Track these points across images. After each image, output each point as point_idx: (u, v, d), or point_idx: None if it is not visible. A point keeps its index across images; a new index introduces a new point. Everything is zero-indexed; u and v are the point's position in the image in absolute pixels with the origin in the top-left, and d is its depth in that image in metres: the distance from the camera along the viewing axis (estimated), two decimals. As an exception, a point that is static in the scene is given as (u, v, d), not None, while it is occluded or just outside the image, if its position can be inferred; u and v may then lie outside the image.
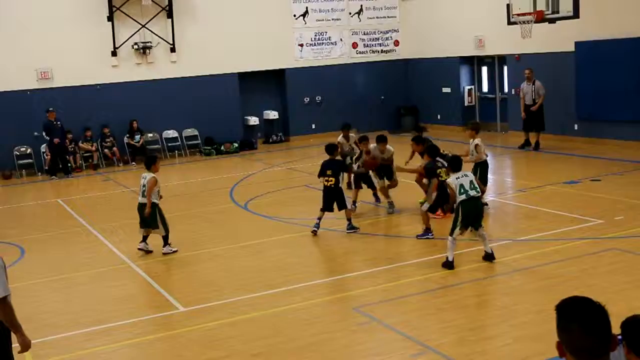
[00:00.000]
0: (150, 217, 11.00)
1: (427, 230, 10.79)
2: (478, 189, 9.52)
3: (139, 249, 11.24)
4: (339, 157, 12.34)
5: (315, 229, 11.57)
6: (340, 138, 14.52)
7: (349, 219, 11.71)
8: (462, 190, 9.33)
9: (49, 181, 19.60)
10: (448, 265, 9.38)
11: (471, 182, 9.44)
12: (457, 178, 9.46)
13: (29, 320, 8.56)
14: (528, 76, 18.86)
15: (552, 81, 19.67)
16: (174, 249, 11.15)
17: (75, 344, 7.87)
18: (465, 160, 10.81)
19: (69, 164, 20.32)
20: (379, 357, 6.99)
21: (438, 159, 11.32)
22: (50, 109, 19.63)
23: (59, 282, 10.22)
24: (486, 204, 12.16)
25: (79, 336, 8.04)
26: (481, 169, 12.16)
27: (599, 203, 12.45)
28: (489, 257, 9.53)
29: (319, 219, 11.60)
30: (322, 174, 11.73)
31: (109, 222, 13.68)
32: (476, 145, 12.21)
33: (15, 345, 5.78)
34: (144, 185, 11.01)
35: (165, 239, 11.13)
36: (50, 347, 7.74)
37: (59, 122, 19.75)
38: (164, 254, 11.07)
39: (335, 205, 11.52)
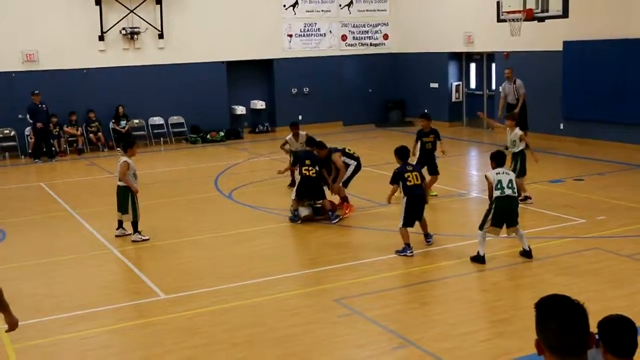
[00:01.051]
0: (121, 201, 11.02)
1: (407, 247, 9.87)
2: (515, 190, 9.44)
3: (116, 235, 11.23)
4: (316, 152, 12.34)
5: (296, 219, 11.69)
6: (289, 137, 14.11)
7: (331, 210, 11.75)
8: (499, 186, 9.28)
9: (32, 164, 19.46)
10: (479, 259, 9.32)
11: (510, 181, 9.37)
12: (497, 173, 9.42)
13: (10, 303, 8.51)
14: (508, 76, 18.73)
15: (539, 80, 19.76)
16: (144, 237, 11.09)
17: (56, 328, 7.84)
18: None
19: (53, 148, 20.17)
20: (359, 349, 7.02)
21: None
22: (36, 91, 19.46)
23: (40, 266, 10.17)
24: (529, 198, 12.41)
25: (60, 320, 8.01)
26: (521, 159, 12.31)
27: (582, 203, 12.54)
28: (526, 254, 9.43)
29: (296, 209, 11.69)
30: (300, 163, 11.83)
31: (92, 207, 13.62)
32: (521, 135, 12.34)
33: (3, 326, 5.74)
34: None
35: (135, 225, 11.09)
36: (31, 331, 7.69)
37: (43, 105, 19.60)
38: (133, 241, 11.04)
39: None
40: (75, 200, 14.24)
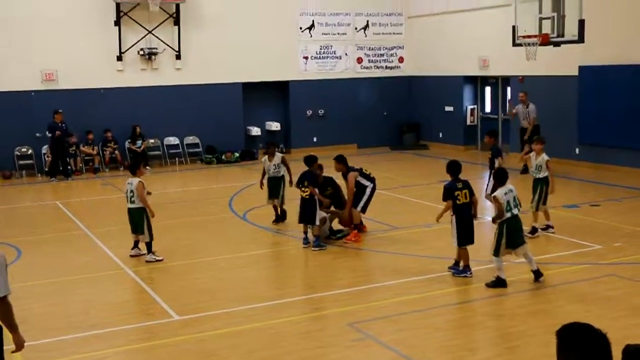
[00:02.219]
0: (138, 222, 11.05)
1: (466, 268, 9.84)
2: (520, 206, 9.39)
3: (131, 255, 11.25)
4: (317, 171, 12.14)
5: (305, 244, 11.57)
6: (264, 158, 13.63)
7: (316, 236, 11.56)
8: (507, 208, 9.20)
9: (48, 183, 19.60)
10: (500, 283, 9.24)
11: (515, 198, 9.33)
12: (505, 193, 9.28)
13: (23, 322, 8.51)
14: (522, 99, 18.84)
15: (554, 104, 19.73)
16: (158, 258, 11.09)
17: (68, 347, 7.85)
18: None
19: (69, 167, 20.32)
20: (373, 375, 6.97)
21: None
22: (59, 110, 19.67)
23: (54, 285, 10.20)
24: (551, 227, 12.10)
25: (73, 340, 8.01)
26: (546, 186, 11.97)
27: (598, 228, 12.44)
28: (536, 274, 9.36)
29: (305, 232, 11.64)
30: (300, 184, 11.76)
31: (106, 226, 13.67)
32: (547, 161, 11.94)
33: (11, 346, 5.75)
34: (131, 191, 11.08)
35: (149, 246, 11.12)
36: (44, 351, 7.71)
37: (64, 125, 19.77)
38: (147, 261, 11.04)
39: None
40: (90, 220, 14.31)
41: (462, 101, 23.52)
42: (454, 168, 9.97)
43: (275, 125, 23.87)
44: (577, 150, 19.46)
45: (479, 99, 23.66)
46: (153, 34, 21.78)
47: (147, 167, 20.75)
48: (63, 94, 20.80)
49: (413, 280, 9.79)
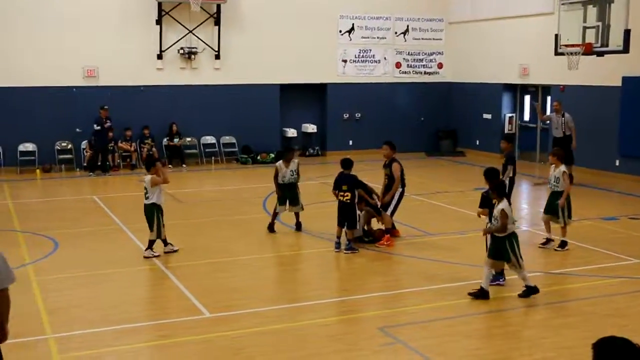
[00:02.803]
0: (149, 217, 11.17)
1: (498, 275, 9.69)
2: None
3: (165, 252, 11.35)
4: (354, 173, 12.00)
5: (337, 249, 11.52)
6: (279, 163, 13.14)
7: (349, 240, 11.53)
8: (512, 221, 9.13)
9: (86, 177, 19.89)
10: (533, 290, 9.10)
11: (510, 210, 9.28)
12: (509, 205, 9.18)
13: (57, 313, 8.70)
14: (557, 108, 18.26)
15: (595, 115, 19.46)
16: (155, 254, 11.16)
17: (101, 340, 7.94)
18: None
19: (108, 162, 20.60)
20: (401, 380, 6.93)
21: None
22: (105, 106, 19.98)
23: (89, 277, 10.33)
24: (551, 240, 11.80)
25: (106, 333, 8.10)
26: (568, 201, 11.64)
27: (637, 242, 12.23)
28: (532, 290, 9.16)
29: (338, 237, 11.59)
30: (336, 188, 11.65)
31: (142, 222, 13.77)
32: (563, 173, 11.60)
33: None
34: (145, 188, 11.22)
35: (151, 243, 11.19)
36: (78, 342, 7.82)
37: (108, 121, 20.05)
38: (145, 257, 11.12)
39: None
40: (126, 215, 14.46)
41: (501, 109, 23.30)
42: (492, 175, 9.89)
43: (311, 128, 23.92)
44: (617, 162, 19.16)
45: (517, 107, 23.43)
46: (193, 34, 21.98)
47: (169, 166, 21.01)
48: (103, 90, 21.10)
49: (445, 287, 9.72)
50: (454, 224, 13.62)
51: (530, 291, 9.12)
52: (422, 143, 24.81)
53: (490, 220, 9.43)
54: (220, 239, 12.57)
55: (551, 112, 19.02)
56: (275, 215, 13.01)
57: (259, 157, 22.41)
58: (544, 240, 11.88)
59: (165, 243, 11.45)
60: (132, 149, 21.35)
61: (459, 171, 21.00)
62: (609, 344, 2.92)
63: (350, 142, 24.04)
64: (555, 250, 11.54)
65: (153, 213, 11.16)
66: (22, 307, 8.73)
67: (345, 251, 11.45)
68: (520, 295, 9.16)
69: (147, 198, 11.24)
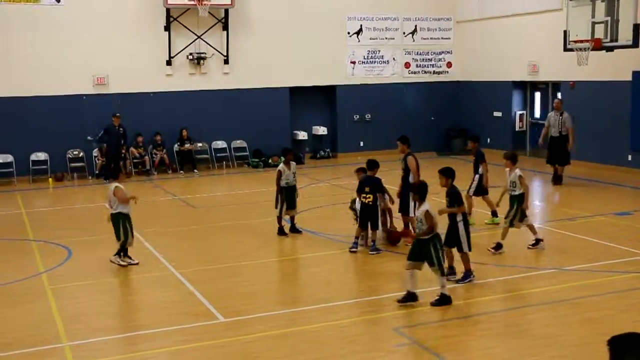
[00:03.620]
0: (115, 226, 11.04)
1: (468, 272, 9.82)
2: None
3: (120, 264, 11.10)
4: (377, 175, 12.01)
5: (354, 249, 11.54)
6: (281, 166, 13.06)
7: (373, 241, 11.59)
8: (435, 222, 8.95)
9: (100, 185, 19.95)
10: (446, 299, 8.85)
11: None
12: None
13: (73, 321, 8.73)
14: (557, 106, 17.63)
15: (606, 110, 19.38)
16: (122, 263, 11.02)
17: (117, 347, 7.98)
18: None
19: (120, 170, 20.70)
20: (417, 381, 6.92)
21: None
22: (117, 114, 20.11)
23: (104, 285, 10.37)
24: (541, 240, 11.58)
25: (122, 340, 8.13)
26: (519, 202, 11.29)
27: (650, 237, 12.16)
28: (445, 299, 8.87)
29: (357, 237, 11.59)
30: (360, 190, 11.68)
31: (154, 227, 13.86)
32: (520, 177, 11.29)
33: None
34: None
35: (120, 250, 11.07)
36: (94, 350, 7.85)
37: (121, 129, 20.16)
38: (111, 261, 11.05)
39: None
40: (139, 221, 14.47)
41: (511, 107, 23.23)
42: (447, 172, 10.15)
43: (322, 130, 23.93)
44: (629, 157, 19.05)
45: (528, 104, 23.35)
46: (202, 39, 22.04)
47: (181, 171, 21.01)
48: (113, 98, 21.19)
49: (458, 286, 9.69)
50: (467, 223, 13.55)
51: (443, 300, 8.81)
52: (433, 142, 24.75)
53: (465, 217, 9.76)
54: (233, 243, 12.59)
55: (551, 110, 18.66)
56: (280, 219, 12.96)
57: (270, 161, 22.43)
58: (533, 241, 11.55)
59: (125, 254, 11.22)
60: (143, 153, 21.41)
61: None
62: (624, 340, 2.90)
63: (362, 143, 24.03)
64: (489, 250, 11.21)
65: (119, 222, 11.02)
66: (37, 316, 8.79)
67: (370, 252, 11.48)
68: (432, 304, 8.83)
69: (112, 207, 11.09)
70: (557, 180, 17.67)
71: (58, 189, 19.68)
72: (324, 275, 10.61)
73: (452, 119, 25.14)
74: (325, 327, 8.36)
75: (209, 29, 22.03)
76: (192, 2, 21.08)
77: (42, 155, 20.72)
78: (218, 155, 22.57)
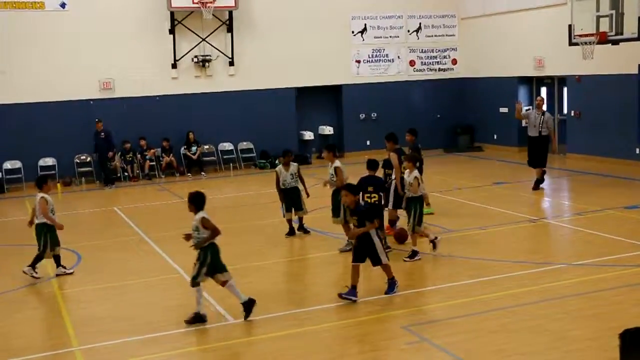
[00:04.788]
0: (37, 237, 10.81)
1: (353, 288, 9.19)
2: None
3: (56, 274, 10.94)
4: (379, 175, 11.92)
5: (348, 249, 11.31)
6: (278, 168, 13.06)
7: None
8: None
9: (107, 189, 20.01)
10: (200, 318, 8.56)
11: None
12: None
13: (84, 325, 8.75)
14: (539, 104, 16.51)
15: (613, 104, 19.31)
16: (35, 275, 10.72)
17: (128, 350, 7.98)
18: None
19: (126, 173, 20.78)
20: (428, 378, 6.90)
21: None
22: (96, 119, 20.04)
23: (113, 288, 10.39)
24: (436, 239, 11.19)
25: (132, 343, 8.14)
26: (419, 205, 11.04)
27: (660, 230, 12.10)
28: (247, 306, 8.66)
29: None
30: (362, 190, 11.23)
31: (163, 231, 13.88)
32: (415, 178, 10.90)
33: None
34: (34, 208, 10.83)
35: (35, 260, 10.77)
36: (104, 353, 7.87)
37: (103, 134, 20.10)
38: (23, 272, 10.75)
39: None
40: (147, 225, 14.54)
41: (517, 102, 23.15)
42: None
43: (328, 129, 23.94)
44: (637, 150, 18.97)
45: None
46: (207, 42, 22.07)
47: (189, 174, 21.03)
48: (119, 102, 21.27)
49: (468, 283, 9.68)
50: (474, 219, 13.56)
51: (197, 319, 8.53)
52: (440, 140, 24.73)
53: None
54: (241, 245, 12.59)
55: (533, 108, 17.77)
56: (290, 220, 12.93)
57: (277, 162, 22.41)
58: (434, 237, 11.20)
59: (58, 264, 11.03)
60: (130, 159, 21.36)
61: (478, 166, 20.90)
62: (636, 334, 2.88)
63: (368, 142, 24.01)
64: (404, 260, 10.88)
65: (41, 233, 10.81)
66: (48, 321, 8.82)
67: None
68: (186, 321, 8.62)
69: (37, 217, 10.85)
70: (537, 184, 16.35)
71: (66, 194, 19.73)
72: (332, 275, 10.60)
73: (459, 115, 25.09)
74: (334, 327, 8.35)
75: (213, 31, 22.06)
76: (196, 5, 21.12)
77: (50, 161, 20.80)
78: (225, 157, 22.59)
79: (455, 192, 16.50)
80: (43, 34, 20.55)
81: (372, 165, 11.59)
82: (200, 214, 8.56)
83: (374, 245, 9.12)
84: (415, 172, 11.08)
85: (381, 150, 22.17)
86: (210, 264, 8.56)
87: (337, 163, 11.86)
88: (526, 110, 16.92)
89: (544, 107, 16.72)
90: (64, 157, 20.74)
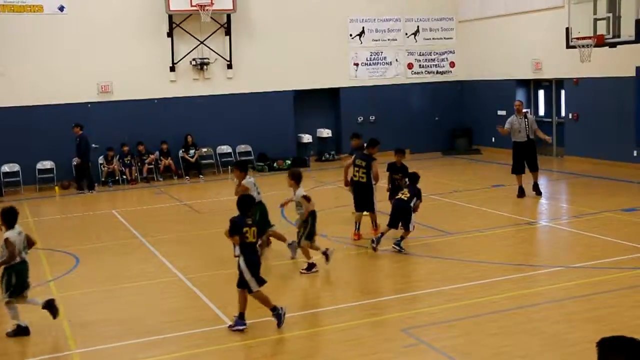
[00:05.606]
0: None
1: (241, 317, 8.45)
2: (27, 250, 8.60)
3: None
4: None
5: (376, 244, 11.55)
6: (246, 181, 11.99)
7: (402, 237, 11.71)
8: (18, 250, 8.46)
9: (105, 192, 20.00)
10: (22, 331, 8.37)
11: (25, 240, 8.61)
12: (18, 233, 8.47)
13: (82, 328, 8.74)
14: (518, 109, 15.85)
15: (610, 106, 19.34)
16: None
17: (127, 354, 7.97)
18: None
19: (124, 177, 20.79)
20: (426, 381, 6.90)
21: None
22: (74, 124, 19.85)
23: (112, 291, 10.39)
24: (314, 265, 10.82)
25: (131, 346, 8.14)
26: (312, 220, 10.80)
27: (658, 232, 12.12)
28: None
29: (382, 233, 11.66)
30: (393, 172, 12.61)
31: (161, 234, 13.88)
32: (302, 197, 10.64)
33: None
34: None
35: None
36: (103, 356, 7.87)
37: (78, 139, 19.89)
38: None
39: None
40: (145, 228, 14.54)
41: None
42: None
43: (326, 132, 23.96)
44: (634, 153, 19.00)
45: (532, 102, 23.30)
46: (205, 45, 22.09)
47: (187, 177, 21.03)
48: (118, 105, 21.27)
49: (466, 285, 9.68)
50: (473, 222, 13.57)
51: (20, 332, 8.41)
52: (438, 142, 24.76)
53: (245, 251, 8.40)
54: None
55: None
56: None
57: (275, 165, 22.45)
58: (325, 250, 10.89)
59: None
60: (150, 161, 21.47)
61: (476, 169, 20.93)
62: (612, 344, 2.86)
63: (366, 145, 23.97)
64: (301, 272, 10.72)
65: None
66: (46, 324, 8.80)
67: (396, 246, 11.45)
68: (8, 334, 8.43)
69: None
70: (535, 188, 15.88)
71: (64, 197, 19.72)
72: (331, 277, 10.60)
73: (457, 118, 25.12)
74: (332, 330, 8.35)
75: (211, 34, 22.07)
76: (195, 8, 21.13)
77: (48, 164, 20.78)
78: (223, 160, 22.59)
79: (454, 195, 16.52)
80: (41, 37, 20.56)
81: (373, 143, 12.78)
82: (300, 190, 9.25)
83: (239, 268, 8.39)
84: (301, 190, 10.76)
85: (378, 153, 22.23)
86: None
87: (301, 191, 10.84)
88: (508, 121, 16.05)
89: (524, 110, 16.19)
90: (62, 160, 20.71)
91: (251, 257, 8.35)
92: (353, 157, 13.02)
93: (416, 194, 11.66)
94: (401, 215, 11.52)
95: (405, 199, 11.51)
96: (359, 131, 23.98)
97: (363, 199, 12.48)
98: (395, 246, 11.45)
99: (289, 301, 9.51)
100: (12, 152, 20.35)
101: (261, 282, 8.37)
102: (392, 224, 11.59)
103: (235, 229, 8.28)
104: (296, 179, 10.83)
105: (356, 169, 12.60)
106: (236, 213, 8.54)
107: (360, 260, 11.50)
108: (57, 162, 20.73)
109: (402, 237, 11.57)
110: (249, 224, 8.37)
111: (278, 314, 8.32)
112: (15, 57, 20.37)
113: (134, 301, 9.92)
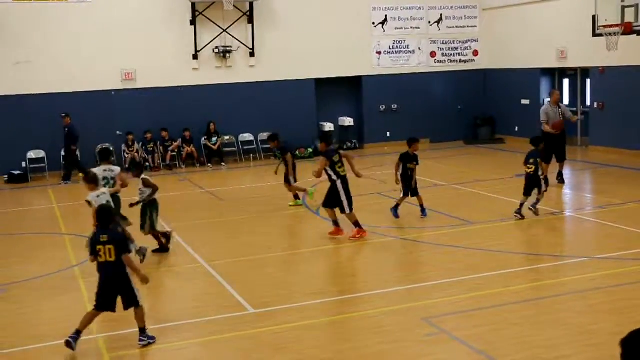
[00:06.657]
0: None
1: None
2: None
3: None
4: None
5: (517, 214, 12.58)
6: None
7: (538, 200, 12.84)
8: None
9: (129, 178, 20.08)
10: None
11: None
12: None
13: (105, 313, 8.81)
14: (557, 98, 16.15)
15: (637, 95, 19.07)
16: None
17: (147, 339, 8.03)
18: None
19: (147, 164, 20.90)
20: (447, 370, 6.90)
21: None
22: (63, 114, 19.76)
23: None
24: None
25: (152, 331, 8.18)
26: (153, 209, 11.61)
27: (683, 223, 11.98)
28: None
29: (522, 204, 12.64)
30: (525, 162, 12.96)
31: (184, 221, 13.96)
32: (144, 179, 11.59)
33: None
34: None
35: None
36: (125, 341, 7.94)
37: (67, 129, 19.83)
38: None
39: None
40: (169, 215, 14.60)
41: (539, 94, 22.96)
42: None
43: (348, 121, 23.90)
44: (661, 143, 18.79)
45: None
46: (227, 33, 22.11)
47: (209, 165, 21.11)
48: (141, 93, 21.39)
49: (488, 275, 9.65)
50: (495, 211, 13.49)
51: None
52: (461, 132, 24.63)
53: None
54: (261, 235, 12.64)
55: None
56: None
57: (297, 152, 22.44)
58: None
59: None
60: (175, 146, 21.55)
61: (499, 158, 20.79)
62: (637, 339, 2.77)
63: (388, 134, 23.96)
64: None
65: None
66: (70, 309, 8.91)
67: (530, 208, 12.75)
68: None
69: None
70: (559, 177, 16.01)
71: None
72: (351, 265, 10.62)
73: (480, 107, 24.94)
74: (354, 318, 8.37)
75: (234, 22, 22.08)
76: (217, -4, 21.14)
77: (72, 151, 20.93)
78: (245, 148, 22.65)
79: (476, 184, 16.43)
80: (66, 25, 20.70)
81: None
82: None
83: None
84: (143, 178, 11.76)
85: (401, 142, 22.14)
86: None
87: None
88: (545, 111, 16.08)
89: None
90: (87, 146, 20.82)
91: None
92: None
93: (537, 160, 12.83)
94: (534, 184, 12.74)
95: (532, 172, 12.72)
96: (381, 119, 24.14)
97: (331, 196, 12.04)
98: (531, 208, 12.68)
99: (311, 289, 9.55)
100: (37, 139, 20.56)
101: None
102: (526, 193, 12.78)
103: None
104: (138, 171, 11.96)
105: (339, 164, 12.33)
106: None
107: (382, 249, 11.48)
108: (81, 148, 20.83)
109: (538, 200, 12.78)
110: (103, 242, 7.63)
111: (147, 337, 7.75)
112: (40, 45, 20.52)
113: (157, 287, 9.99)
